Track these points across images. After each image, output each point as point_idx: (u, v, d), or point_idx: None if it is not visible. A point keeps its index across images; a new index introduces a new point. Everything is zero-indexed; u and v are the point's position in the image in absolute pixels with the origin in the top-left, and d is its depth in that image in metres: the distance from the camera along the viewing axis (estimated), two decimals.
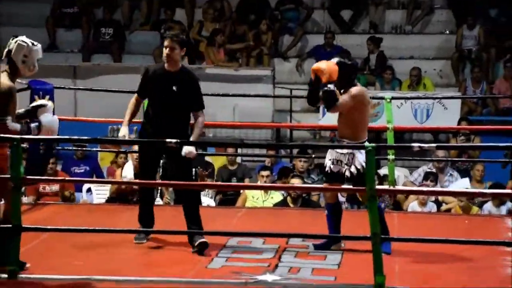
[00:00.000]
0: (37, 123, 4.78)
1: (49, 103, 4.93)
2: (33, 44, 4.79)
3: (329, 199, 5.70)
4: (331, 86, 5.35)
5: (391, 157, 7.29)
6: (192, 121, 5.87)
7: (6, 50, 4.78)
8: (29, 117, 4.82)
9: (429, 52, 12.64)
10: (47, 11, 12.73)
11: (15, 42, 4.76)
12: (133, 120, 5.83)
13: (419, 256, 5.46)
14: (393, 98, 7.86)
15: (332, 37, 12.35)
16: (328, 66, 5.40)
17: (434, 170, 8.94)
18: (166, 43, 5.70)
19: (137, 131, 6.23)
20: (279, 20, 12.71)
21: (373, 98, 10.61)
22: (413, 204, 8.13)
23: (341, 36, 12.64)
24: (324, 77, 5.35)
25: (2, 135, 4.60)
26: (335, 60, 5.52)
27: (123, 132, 5.67)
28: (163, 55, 5.70)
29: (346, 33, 12.82)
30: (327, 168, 5.59)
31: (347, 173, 5.49)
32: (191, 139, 5.67)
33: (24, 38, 4.80)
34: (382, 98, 8.38)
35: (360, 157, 5.41)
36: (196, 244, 5.47)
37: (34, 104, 4.98)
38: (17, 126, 4.69)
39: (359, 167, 5.44)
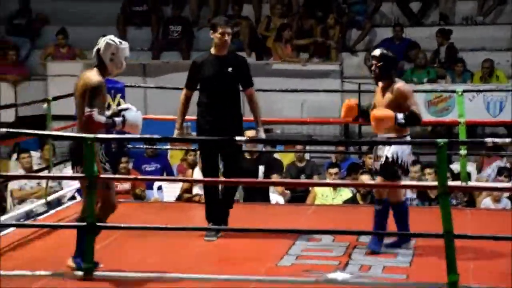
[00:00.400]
0: (122, 118, 4.92)
1: (133, 108, 5.06)
2: (120, 42, 4.95)
3: (396, 197, 5.64)
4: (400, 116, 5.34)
5: (463, 152, 7.19)
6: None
7: (95, 48, 4.95)
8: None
9: (502, 43, 12.39)
10: (117, 10, 12.93)
11: (104, 41, 4.93)
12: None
13: (493, 254, 5.40)
14: (464, 91, 7.77)
15: (400, 30, 12.20)
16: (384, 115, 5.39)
17: (508, 165, 8.79)
18: (222, 29, 5.87)
19: (191, 128, 6.40)
20: (346, 14, 12.64)
21: (444, 91, 10.57)
22: (486, 201, 8.01)
23: (410, 28, 12.47)
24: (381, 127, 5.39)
25: (78, 134, 4.74)
26: (377, 51, 5.50)
27: (178, 135, 5.99)
28: (219, 41, 5.88)
29: (415, 25, 12.65)
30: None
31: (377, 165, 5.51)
32: (259, 123, 6.03)
33: (112, 37, 4.97)
34: (453, 91, 8.28)
35: (393, 148, 5.38)
36: None
37: (120, 107, 5.14)
38: (102, 119, 4.85)
39: (389, 155, 5.41)
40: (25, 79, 12.31)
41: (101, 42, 4.93)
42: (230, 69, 5.86)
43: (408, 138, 5.57)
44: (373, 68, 5.56)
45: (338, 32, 12.25)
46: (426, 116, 10.51)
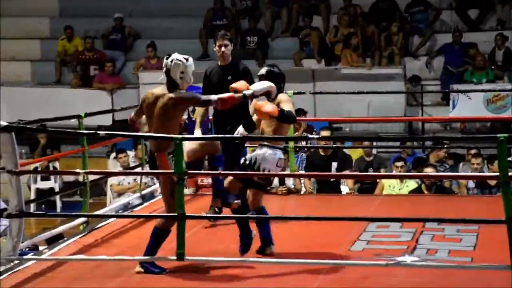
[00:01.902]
0: (250, 91, 4.88)
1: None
2: (186, 60, 4.90)
3: (253, 205, 5.16)
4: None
5: None
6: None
7: (164, 69, 4.92)
8: None
9: None
10: (200, 25, 13.06)
11: (171, 61, 4.87)
12: None
13: None
14: None
15: (459, 35, 12.03)
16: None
17: None
18: (219, 42, 5.88)
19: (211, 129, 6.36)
20: (409, 22, 12.51)
21: (502, 90, 10.38)
22: None
23: (469, 34, 12.27)
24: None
25: (166, 135, 4.78)
26: (264, 70, 5.24)
27: (197, 133, 5.97)
28: (218, 53, 5.91)
29: (473, 31, 12.43)
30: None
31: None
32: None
33: (177, 56, 4.88)
34: (510, 90, 8.08)
35: (256, 152, 5.10)
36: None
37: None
38: (234, 95, 4.86)
39: (248, 157, 5.14)
40: (120, 88, 12.55)
41: (169, 63, 4.86)
42: (229, 78, 5.76)
43: (278, 151, 5.10)
44: None
45: (401, 38, 12.14)
46: (486, 113, 10.37)
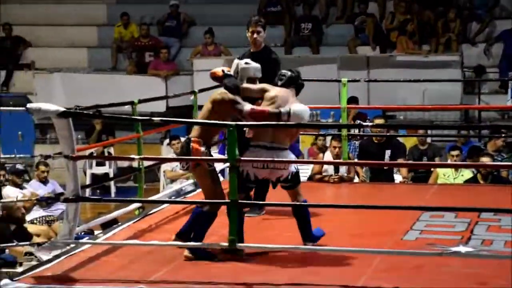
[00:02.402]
0: (288, 109, 4.88)
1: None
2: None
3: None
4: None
5: None
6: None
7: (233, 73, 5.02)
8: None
9: None
10: (254, 10, 13.04)
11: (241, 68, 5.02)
12: None
13: None
14: None
15: None
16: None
17: None
18: (252, 28, 5.83)
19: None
20: (467, 8, 12.27)
21: None
22: None
23: None
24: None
25: (218, 121, 4.80)
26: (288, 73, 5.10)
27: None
28: (250, 39, 5.86)
29: None
30: None
31: None
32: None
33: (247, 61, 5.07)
34: None
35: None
36: None
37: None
38: (269, 109, 4.83)
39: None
40: (174, 74, 12.65)
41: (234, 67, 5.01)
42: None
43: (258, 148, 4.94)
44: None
45: (459, 25, 11.94)
46: None
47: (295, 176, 4.97)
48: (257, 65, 5.13)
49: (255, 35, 5.86)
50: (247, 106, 4.84)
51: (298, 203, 5.01)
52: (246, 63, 5.09)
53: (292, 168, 4.96)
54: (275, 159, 4.88)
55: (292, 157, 5.00)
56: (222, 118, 4.84)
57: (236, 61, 5.16)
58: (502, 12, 12.52)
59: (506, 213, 5.43)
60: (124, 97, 8.09)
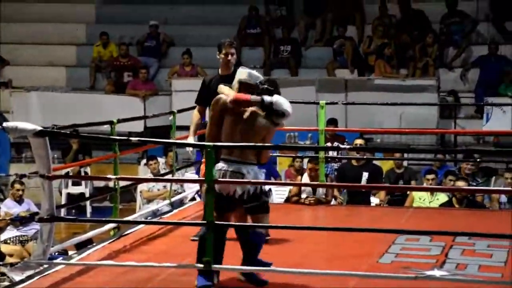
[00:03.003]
0: (271, 98, 4.78)
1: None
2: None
3: None
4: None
5: None
6: None
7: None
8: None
9: None
10: (234, 32, 13.11)
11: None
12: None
13: None
14: None
15: (496, 48, 11.92)
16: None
17: None
18: (226, 50, 5.64)
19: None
20: (444, 33, 12.44)
21: None
22: None
23: (505, 46, 12.17)
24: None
25: (196, 142, 4.80)
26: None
27: (191, 141, 5.74)
28: (223, 61, 5.66)
29: (510, 43, 12.31)
30: None
31: None
32: None
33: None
34: None
35: None
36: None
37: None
38: (251, 96, 4.78)
39: None
40: (152, 94, 12.65)
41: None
42: None
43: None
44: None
45: (436, 50, 12.08)
46: None
47: (263, 195, 4.82)
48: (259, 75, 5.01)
49: (229, 57, 5.66)
50: (231, 95, 4.82)
51: (267, 225, 4.93)
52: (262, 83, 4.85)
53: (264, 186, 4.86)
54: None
55: (262, 173, 4.96)
56: (220, 121, 4.83)
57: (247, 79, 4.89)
58: (478, 38, 12.70)
59: (480, 237, 5.48)
60: (102, 117, 8.08)
